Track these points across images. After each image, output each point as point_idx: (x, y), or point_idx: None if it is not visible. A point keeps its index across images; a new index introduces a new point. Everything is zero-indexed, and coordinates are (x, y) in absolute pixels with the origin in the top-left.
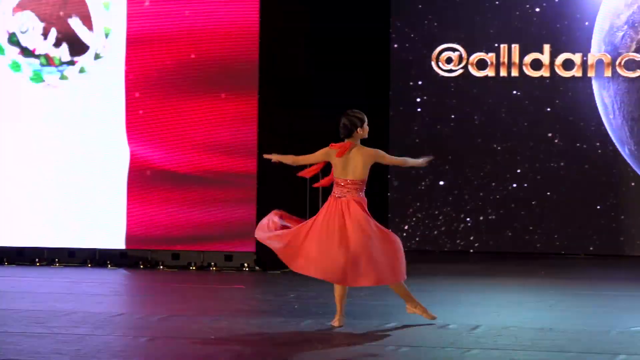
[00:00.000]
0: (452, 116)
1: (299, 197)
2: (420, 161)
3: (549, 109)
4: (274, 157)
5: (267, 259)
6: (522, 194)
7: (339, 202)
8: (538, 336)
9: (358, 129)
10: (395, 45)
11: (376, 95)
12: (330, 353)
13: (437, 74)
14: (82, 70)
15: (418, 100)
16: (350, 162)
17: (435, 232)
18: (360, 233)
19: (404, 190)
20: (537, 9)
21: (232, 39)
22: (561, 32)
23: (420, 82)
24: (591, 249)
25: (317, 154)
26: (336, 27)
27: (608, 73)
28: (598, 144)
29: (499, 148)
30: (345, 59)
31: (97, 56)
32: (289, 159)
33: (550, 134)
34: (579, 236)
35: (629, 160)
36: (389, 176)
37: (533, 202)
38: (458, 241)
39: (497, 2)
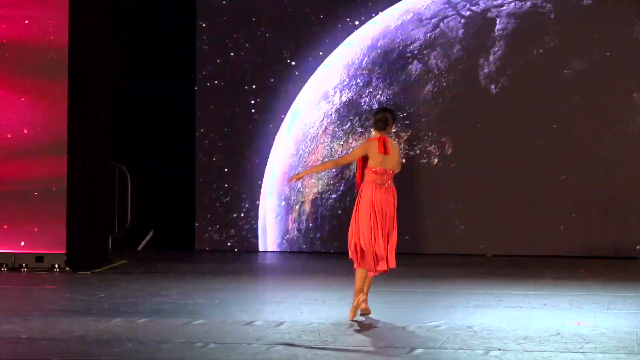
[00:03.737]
0: None
1: (108, 194)
2: None
3: None
4: (310, 172)
5: (77, 260)
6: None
7: (384, 190)
8: (339, 332)
9: (393, 124)
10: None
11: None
12: (140, 351)
13: None
14: None
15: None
16: (390, 154)
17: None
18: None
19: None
20: None
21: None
22: None
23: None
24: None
25: (357, 151)
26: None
27: None
28: None
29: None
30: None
31: None
32: (329, 165)
33: None
34: None
35: None
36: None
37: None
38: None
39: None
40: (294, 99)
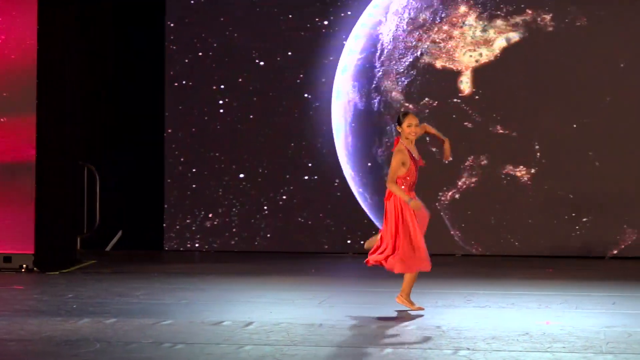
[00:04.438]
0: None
1: (77, 195)
2: None
3: None
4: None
5: (46, 260)
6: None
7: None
8: (308, 331)
9: (397, 127)
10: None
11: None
12: (108, 351)
13: None
14: None
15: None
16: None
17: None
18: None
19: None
20: None
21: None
22: None
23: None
24: (356, 246)
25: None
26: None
27: None
28: None
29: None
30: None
31: None
32: (398, 190)
33: None
34: (343, 235)
35: None
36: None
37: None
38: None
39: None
40: (263, 99)
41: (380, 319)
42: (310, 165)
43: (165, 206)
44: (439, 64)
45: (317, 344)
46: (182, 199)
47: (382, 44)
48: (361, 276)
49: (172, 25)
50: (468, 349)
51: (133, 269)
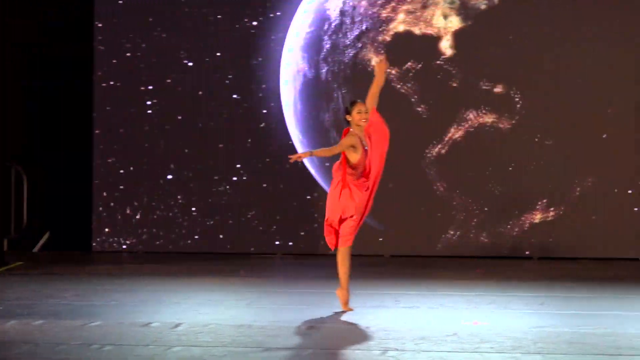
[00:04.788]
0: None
1: (4, 195)
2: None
3: None
4: (314, 154)
5: None
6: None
7: None
8: (237, 333)
9: (347, 117)
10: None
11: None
12: (35, 353)
13: None
14: None
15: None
16: None
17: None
18: None
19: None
20: None
21: None
22: None
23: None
24: (291, 244)
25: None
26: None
27: None
28: None
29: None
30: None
31: None
32: (327, 153)
33: None
34: (274, 237)
35: None
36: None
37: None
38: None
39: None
40: (191, 100)
41: (309, 320)
42: (238, 166)
43: (94, 207)
44: (417, 30)
45: (246, 345)
46: (110, 200)
47: (330, 19)
48: (290, 277)
49: (100, 25)
50: (396, 349)
51: (61, 270)
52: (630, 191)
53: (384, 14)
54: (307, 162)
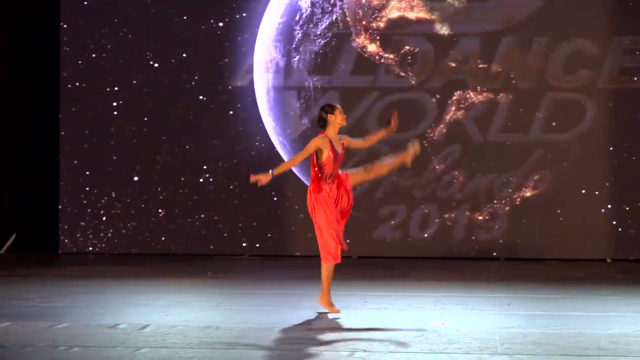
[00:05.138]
0: None
1: None
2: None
3: None
4: (275, 173)
5: None
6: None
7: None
8: (205, 334)
9: (329, 116)
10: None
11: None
12: (2, 355)
13: None
14: None
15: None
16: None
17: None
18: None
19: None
20: None
21: None
22: None
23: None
24: (257, 245)
25: (309, 150)
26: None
27: None
28: None
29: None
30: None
31: None
32: (290, 164)
33: None
34: (239, 238)
35: None
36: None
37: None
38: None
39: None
40: (158, 101)
41: (276, 321)
42: (205, 167)
43: (60, 208)
44: (412, 15)
45: (213, 347)
46: (76, 201)
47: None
48: (258, 278)
49: (65, 26)
50: (364, 350)
51: (27, 272)
52: (597, 192)
53: (376, 1)
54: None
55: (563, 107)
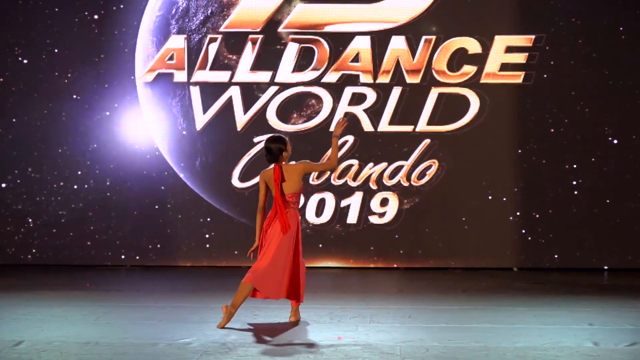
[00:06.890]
0: None
1: None
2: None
3: None
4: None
5: None
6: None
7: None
8: (84, 350)
9: (284, 153)
10: None
11: None
12: None
13: None
14: None
15: None
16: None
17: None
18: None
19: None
20: None
21: None
22: None
23: None
24: (138, 258)
25: (262, 188)
26: None
27: None
28: None
29: None
30: None
31: None
32: (259, 225)
33: None
34: (120, 248)
35: None
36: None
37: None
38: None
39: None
40: (27, 100)
41: (159, 335)
42: (79, 173)
43: None
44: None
45: None
46: None
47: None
48: (140, 290)
49: None
50: None
51: None
52: (504, 199)
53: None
54: (173, 166)
55: (449, 100)
